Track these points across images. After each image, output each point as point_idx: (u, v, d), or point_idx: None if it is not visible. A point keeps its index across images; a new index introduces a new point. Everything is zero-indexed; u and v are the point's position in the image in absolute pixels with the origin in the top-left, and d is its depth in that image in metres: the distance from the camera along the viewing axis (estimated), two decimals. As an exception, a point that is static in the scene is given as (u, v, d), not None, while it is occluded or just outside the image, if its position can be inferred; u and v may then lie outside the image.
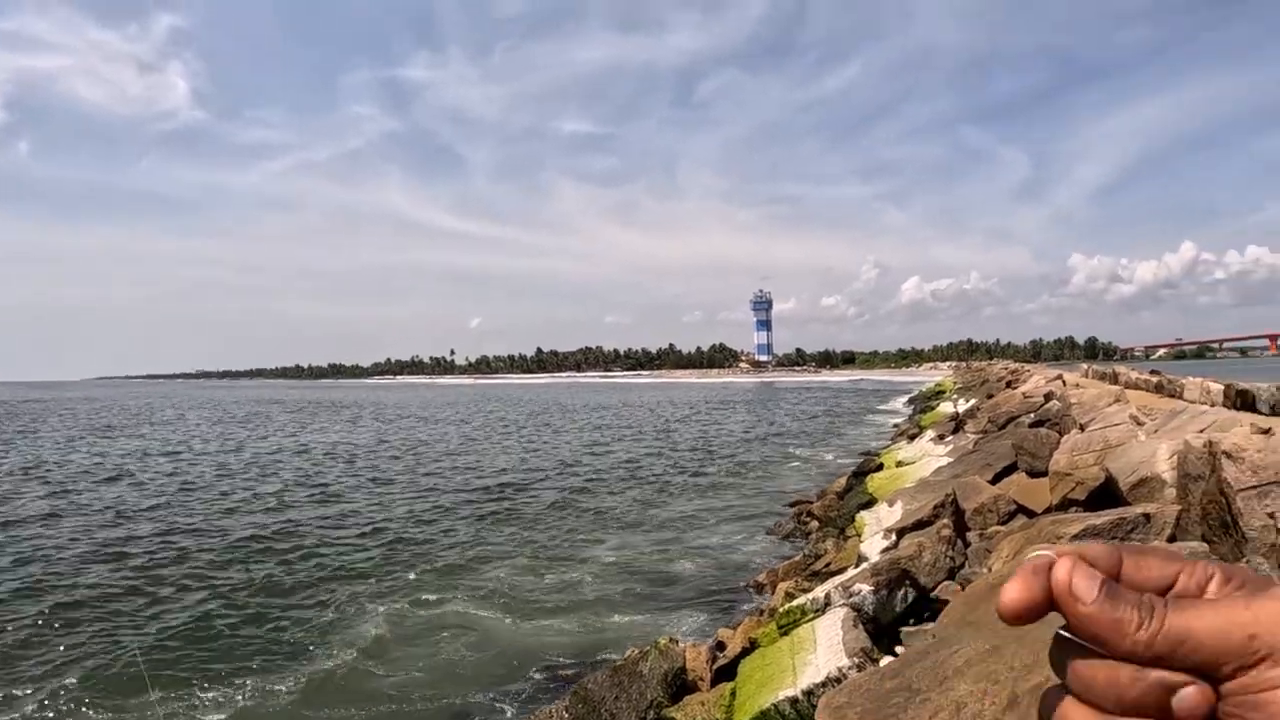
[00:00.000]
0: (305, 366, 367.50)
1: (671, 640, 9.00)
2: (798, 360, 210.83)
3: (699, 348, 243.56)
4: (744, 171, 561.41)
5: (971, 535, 9.91)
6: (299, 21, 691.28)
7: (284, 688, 8.45)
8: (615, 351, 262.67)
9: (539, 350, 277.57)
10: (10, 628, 10.26)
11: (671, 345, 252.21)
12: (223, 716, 7.86)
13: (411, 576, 12.52)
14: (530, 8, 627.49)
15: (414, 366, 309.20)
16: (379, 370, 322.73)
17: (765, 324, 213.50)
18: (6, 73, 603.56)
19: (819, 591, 9.07)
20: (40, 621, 10.45)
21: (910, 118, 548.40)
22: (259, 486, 22.35)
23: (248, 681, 8.60)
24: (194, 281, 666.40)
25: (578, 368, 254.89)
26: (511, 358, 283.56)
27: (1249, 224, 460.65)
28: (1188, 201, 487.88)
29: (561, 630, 10.18)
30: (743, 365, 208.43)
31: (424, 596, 11.42)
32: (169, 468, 26.61)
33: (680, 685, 8.46)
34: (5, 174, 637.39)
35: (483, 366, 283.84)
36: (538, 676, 8.77)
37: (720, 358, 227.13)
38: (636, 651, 8.89)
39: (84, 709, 7.99)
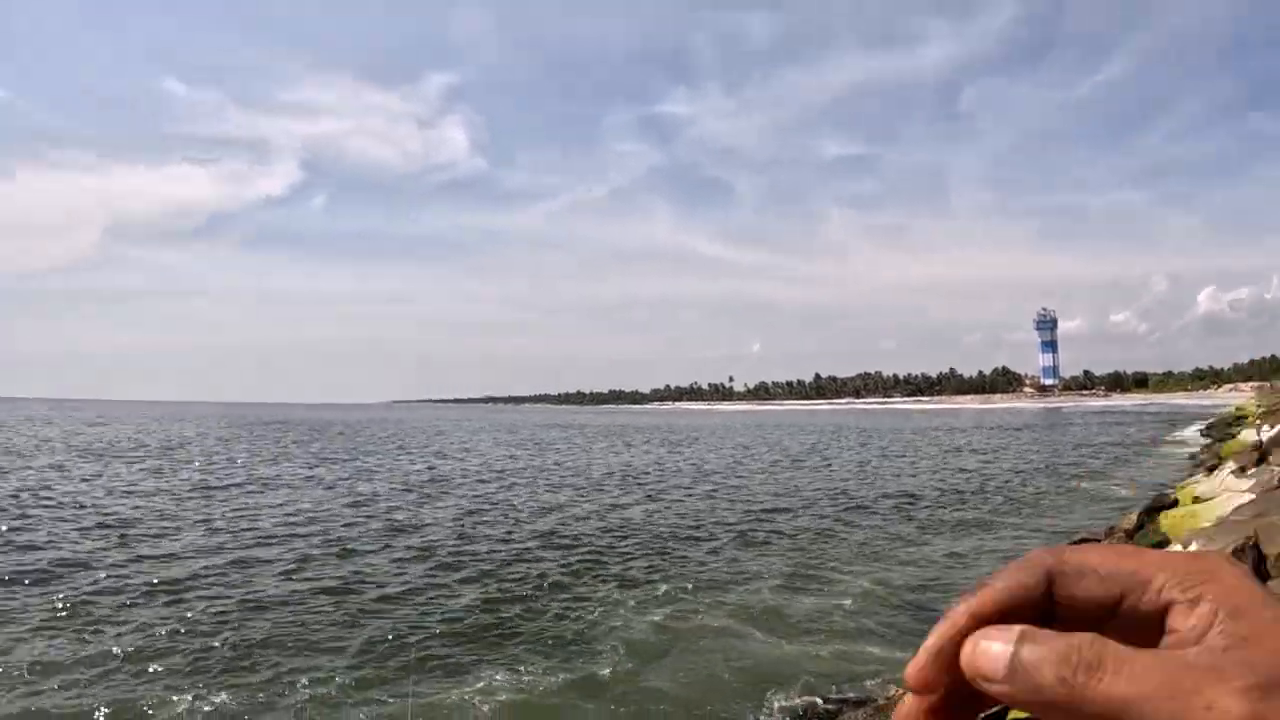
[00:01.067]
0: (587, 393, 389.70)
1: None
2: (1085, 383, 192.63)
3: (980, 372, 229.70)
4: (1014, 183, 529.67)
5: (1274, 584, 8.93)
6: (562, 68, 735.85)
7: (548, 683, 8.89)
8: (894, 377, 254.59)
9: (817, 376, 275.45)
10: (319, 612, 11.50)
11: (952, 370, 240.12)
12: (488, 708, 8.32)
13: (675, 587, 12.85)
14: (779, 36, 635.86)
15: (693, 393, 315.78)
16: (659, 396, 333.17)
17: (1050, 345, 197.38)
18: (300, 139, 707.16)
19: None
20: (343, 608, 11.66)
21: (1188, 110, 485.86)
22: (546, 496, 24.19)
23: (516, 672, 9.18)
24: (475, 317, 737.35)
25: (856, 394, 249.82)
26: (790, 384, 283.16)
27: None
28: None
29: (817, 655, 9.98)
30: (1027, 390, 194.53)
31: (686, 608, 11.70)
32: (457, 479, 29.02)
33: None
34: (303, 227, 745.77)
35: (761, 393, 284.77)
36: (796, 702, 8.58)
37: (1002, 382, 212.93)
38: (899, 693, 8.48)
39: (354, 689, 8.63)
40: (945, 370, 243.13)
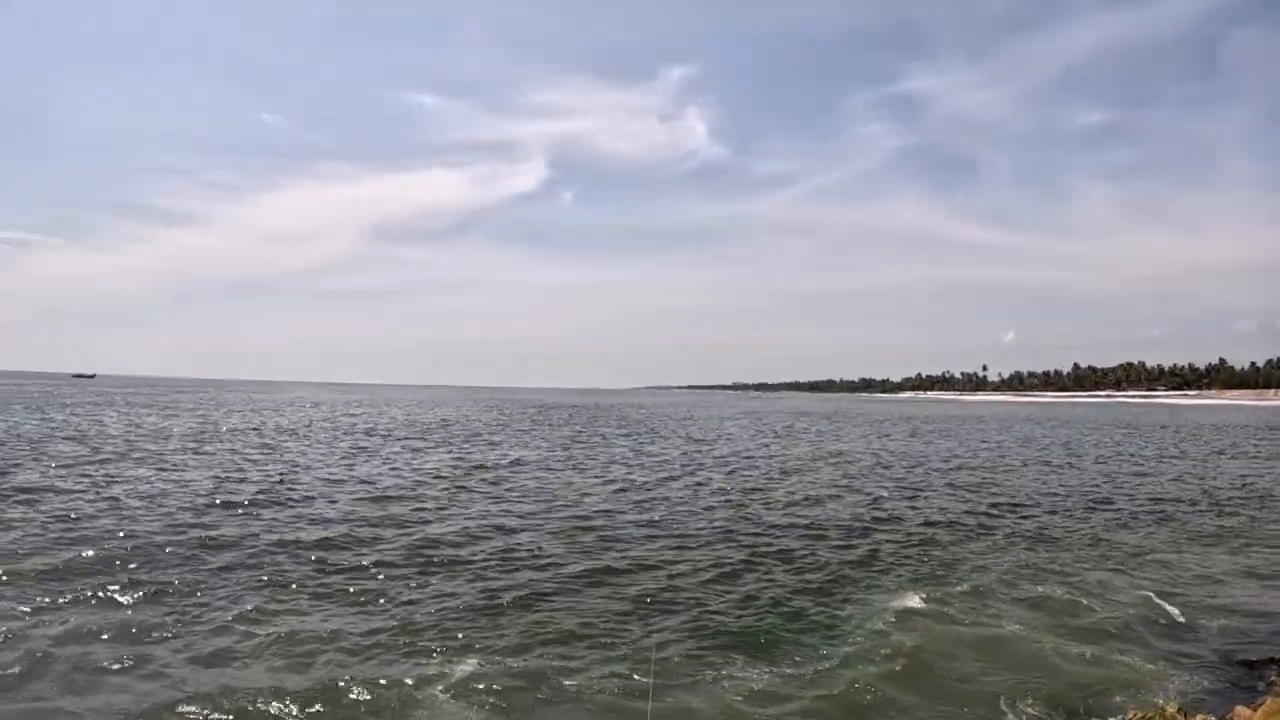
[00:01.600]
0: (837, 380, 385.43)
1: (1180, 711, 8.16)
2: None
3: (1253, 363, 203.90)
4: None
5: None
6: (797, 53, 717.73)
7: (801, 672, 9.07)
8: (1159, 368, 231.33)
9: (1075, 366, 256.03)
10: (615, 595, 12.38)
11: (1221, 360, 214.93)
12: (740, 698, 8.38)
13: (934, 584, 12.82)
14: (1012, 1, 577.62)
15: (944, 382, 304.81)
16: (910, 385, 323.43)
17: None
18: (548, 138, 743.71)
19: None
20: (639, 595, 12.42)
21: None
22: (802, 485, 24.73)
23: (775, 660, 9.45)
24: (720, 303, 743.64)
25: (1117, 385, 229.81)
26: (1046, 374, 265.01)
27: None
28: None
29: (1066, 657, 9.64)
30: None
31: (947, 608, 11.54)
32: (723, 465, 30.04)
33: (1182, 761, 7.66)
34: (554, 222, 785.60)
35: (1015, 383, 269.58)
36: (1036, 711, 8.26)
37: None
38: (1136, 715, 8.27)
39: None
40: (1214, 361, 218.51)
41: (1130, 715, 8.00)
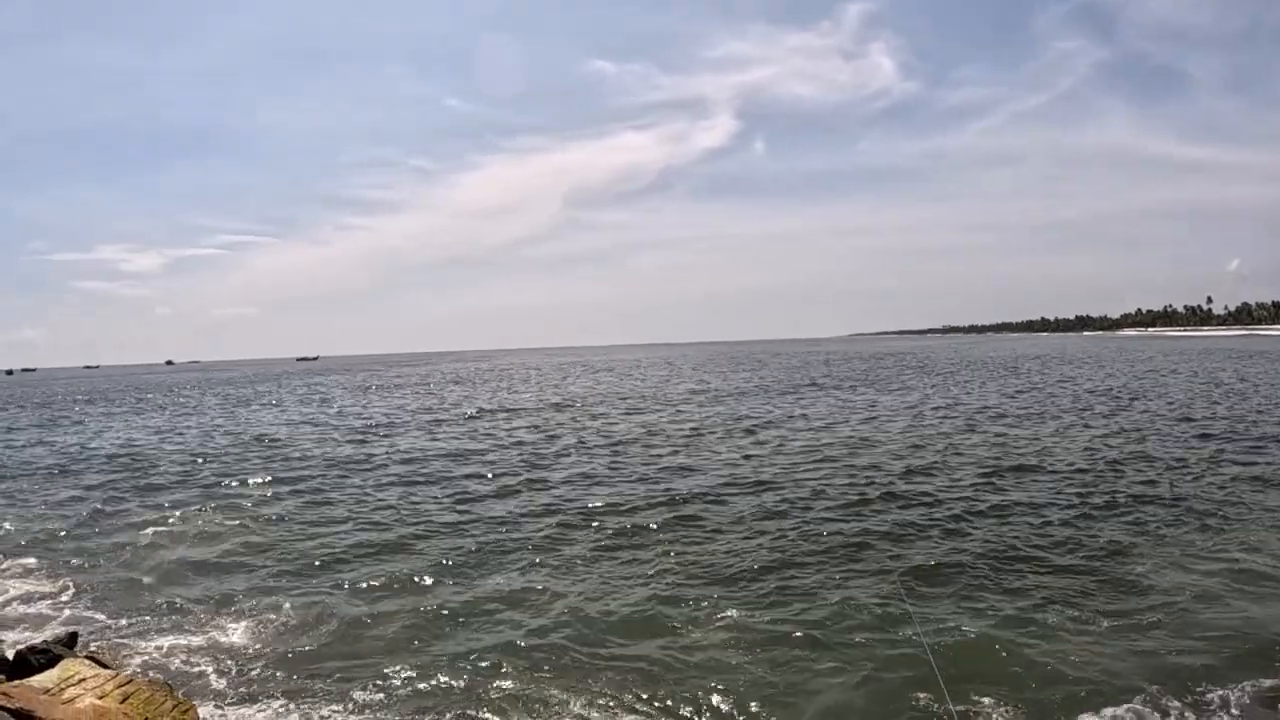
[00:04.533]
0: (1051, 320, 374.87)
1: None
2: None
3: None
4: None
5: None
6: None
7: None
8: None
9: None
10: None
11: None
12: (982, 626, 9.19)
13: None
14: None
15: (1166, 317, 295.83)
16: (1130, 322, 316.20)
17: None
18: (731, 90, 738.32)
19: None
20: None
21: None
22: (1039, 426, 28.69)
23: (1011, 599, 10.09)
24: (923, 244, 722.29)
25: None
26: (1278, 305, 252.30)
27: None
28: None
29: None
30: None
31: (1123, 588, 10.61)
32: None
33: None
34: (746, 173, 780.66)
35: (1244, 316, 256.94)
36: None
37: None
38: None
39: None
40: None
41: None
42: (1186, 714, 7.47)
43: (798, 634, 9.41)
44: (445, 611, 10.73)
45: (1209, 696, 7.71)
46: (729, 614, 10.09)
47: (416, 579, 12.24)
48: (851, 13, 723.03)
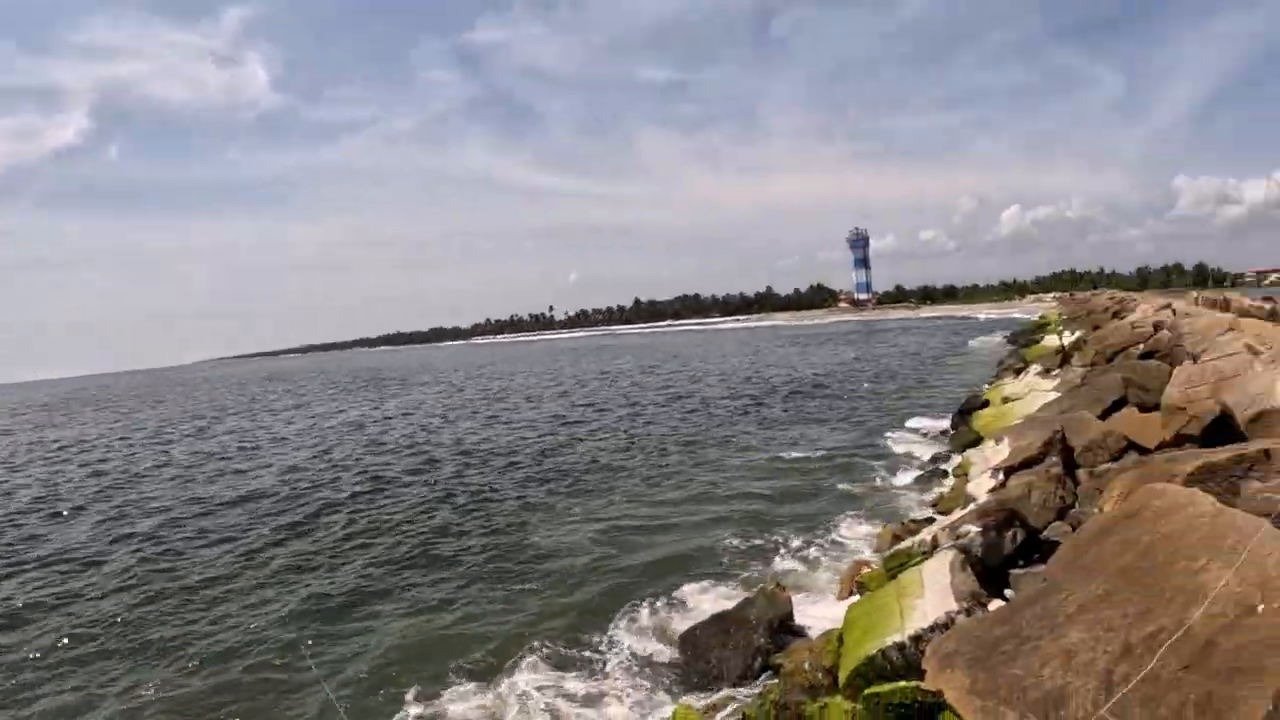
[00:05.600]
0: (408, 332, 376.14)
1: (779, 586, 9.05)
2: (898, 297, 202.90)
3: (796, 289, 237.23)
4: (830, 108, 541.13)
5: (1081, 473, 9.48)
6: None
7: None
8: (713, 298, 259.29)
9: (636, 301, 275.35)
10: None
11: (769, 288, 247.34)
12: None
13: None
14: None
15: (514, 325, 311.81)
16: (480, 331, 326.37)
17: (863, 261, 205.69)
18: (88, 82, 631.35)
19: (926, 534, 8.92)
20: None
21: (994, 41, 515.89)
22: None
23: None
24: (286, 262, 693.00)
25: (676, 316, 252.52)
26: (610, 310, 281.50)
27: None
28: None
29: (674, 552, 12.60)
30: (841, 305, 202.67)
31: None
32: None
33: (787, 631, 8.47)
34: (95, 177, 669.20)
35: (581, 320, 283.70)
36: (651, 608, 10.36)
37: (818, 298, 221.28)
38: (743, 599, 9.14)
39: None
40: (762, 290, 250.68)
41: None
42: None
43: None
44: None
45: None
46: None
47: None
48: (233, 16, 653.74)
